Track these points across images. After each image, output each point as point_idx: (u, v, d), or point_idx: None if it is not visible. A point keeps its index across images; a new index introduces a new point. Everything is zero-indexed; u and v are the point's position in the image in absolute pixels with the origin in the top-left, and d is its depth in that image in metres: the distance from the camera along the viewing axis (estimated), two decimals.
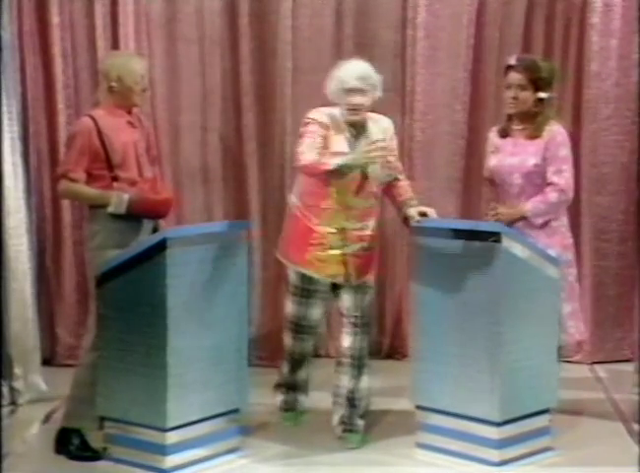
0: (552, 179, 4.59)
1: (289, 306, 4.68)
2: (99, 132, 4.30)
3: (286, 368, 4.80)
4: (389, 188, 4.58)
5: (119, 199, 4.28)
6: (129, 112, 4.43)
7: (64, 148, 4.53)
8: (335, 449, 4.46)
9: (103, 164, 4.32)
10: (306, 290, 4.59)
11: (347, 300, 4.54)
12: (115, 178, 4.33)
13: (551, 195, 4.59)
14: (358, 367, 4.56)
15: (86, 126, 4.33)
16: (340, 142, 4.40)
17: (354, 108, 4.37)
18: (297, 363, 4.75)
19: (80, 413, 4.36)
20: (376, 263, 4.63)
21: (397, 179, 4.58)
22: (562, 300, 4.53)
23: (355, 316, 4.54)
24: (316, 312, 4.64)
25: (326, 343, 5.86)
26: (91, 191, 4.33)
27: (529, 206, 4.58)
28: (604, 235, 5.85)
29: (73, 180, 4.32)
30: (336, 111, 4.44)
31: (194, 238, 4.13)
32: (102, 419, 4.29)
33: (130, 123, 4.41)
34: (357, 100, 4.35)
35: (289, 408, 4.80)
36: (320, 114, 4.44)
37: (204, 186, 5.90)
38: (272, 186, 5.86)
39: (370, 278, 4.57)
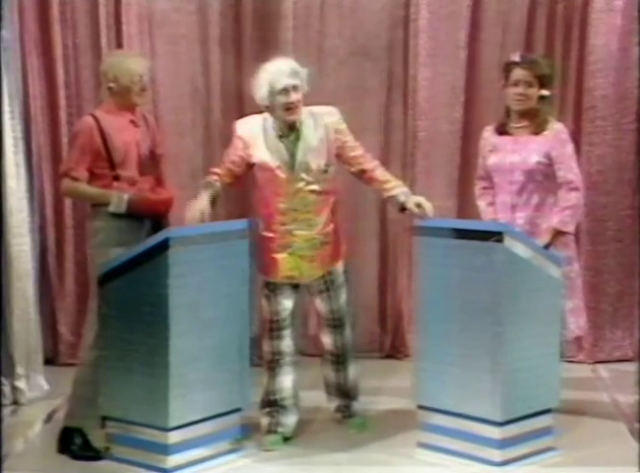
0: (567, 177, 4.59)
1: (262, 303, 4.54)
2: (101, 131, 4.31)
3: (265, 377, 4.56)
4: (366, 178, 4.43)
5: (119, 199, 4.29)
6: (132, 111, 4.42)
7: (67, 147, 4.53)
8: (336, 449, 4.46)
9: (105, 163, 4.32)
10: (272, 282, 4.48)
11: (319, 303, 4.60)
12: (116, 177, 4.34)
13: (571, 197, 4.59)
14: (342, 362, 4.67)
15: (87, 125, 4.34)
16: (263, 151, 4.33)
17: (291, 108, 4.26)
18: (278, 367, 4.53)
19: (81, 412, 4.36)
20: (340, 252, 4.55)
21: (364, 169, 4.42)
22: (564, 296, 4.54)
23: (329, 318, 4.61)
24: (287, 304, 4.51)
25: (317, 340, 5.85)
26: (92, 190, 4.34)
27: (556, 220, 4.58)
28: (601, 233, 5.85)
29: (75, 179, 4.33)
30: (263, 119, 4.36)
31: (196, 238, 4.13)
32: (104, 418, 4.29)
33: (133, 122, 4.41)
34: (293, 97, 4.25)
35: (272, 431, 4.50)
36: (244, 127, 4.40)
37: None
38: None
39: (336, 270, 4.53)
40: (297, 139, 4.35)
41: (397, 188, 4.43)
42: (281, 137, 4.35)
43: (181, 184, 5.79)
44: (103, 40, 5.64)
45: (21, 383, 5.10)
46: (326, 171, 4.38)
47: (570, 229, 4.62)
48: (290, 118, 4.29)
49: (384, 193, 4.46)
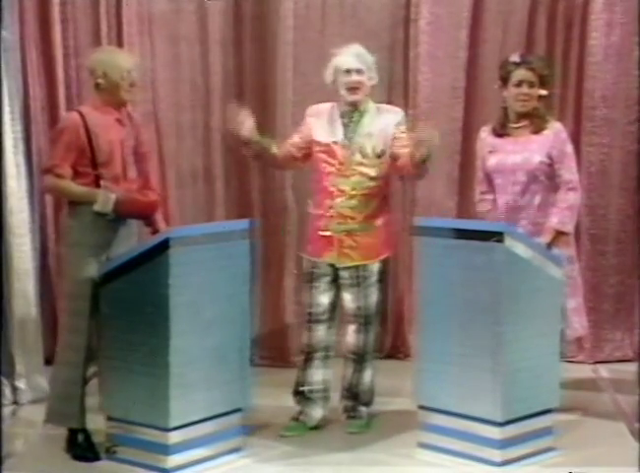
0: (566, 177, 4.61)
1: (303, 296, 4.69)
2: (87, 129, 4.24)
3: (299, 367, 4.72)
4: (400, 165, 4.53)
5: (106, 198, 4.23)
6: (119, 109, 4.37)
7: (50, 142, 4.48)
8: (337, 449, 4.46)
9: (88, 161, 4.26)
10: (310, 273, 4.61)
11: (348, 299, 4.61)
12: (99, 176, 4.28)
13: (569, 197, 4.61)
14: (360, 362, 4.67)
15: (73, 122, 4.27)
16: (323, 129, 4.53)
17: (353, 87, 4.47)
18: (309, 359, 4.64)
19: (60, 411, 4.35)
20: (382, 250, 4.61)
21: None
22: (566, 295, 4.54)
23: (354, 315, 4.62)
24: (322, 298, 4.60)
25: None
26: (77, 188, 4.27)
27: (555, 220, 4.58)
28: (601, 233, 5.85)
29: (59, 176, 4.26)
30: (332, 105, 4.57)
31: (197, 238, 4.13)
32: (82, 416, 4.32)
33: (118, 121, 4.35)
34: (355, 77, 4.46)
35: (294, 418, 4.66)
36: (312, 109, 4.62)
37: (206, 185, 5.90)
38: (273, 186, 5.87)
39: (371, 267, 4.57)
40: (358, 123, 4.51)
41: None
42: (342, 118, 4.52)
43: (182, 184, 5.82)
44: (104, 41, 5.64)
45: (21, 384, 5.10)
46: (380, 157, 4.50)
47: (569, 229, 4.64)
48: (351, 98, 4.48)
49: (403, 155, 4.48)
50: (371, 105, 4.55)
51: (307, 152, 4.62)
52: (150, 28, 5.76)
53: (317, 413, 4.67)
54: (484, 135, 4.83)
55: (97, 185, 4.27)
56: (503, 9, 5.81)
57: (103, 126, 4.28)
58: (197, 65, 5.83)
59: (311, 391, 4.65)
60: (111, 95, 4.31)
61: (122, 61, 4.33)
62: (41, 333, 5.30)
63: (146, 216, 4.42)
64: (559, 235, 4.60)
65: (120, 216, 4.28)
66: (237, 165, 5.91)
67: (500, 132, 4.76)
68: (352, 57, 4.48)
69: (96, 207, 4.23)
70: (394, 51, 5.86)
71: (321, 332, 4.63)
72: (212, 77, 5.83)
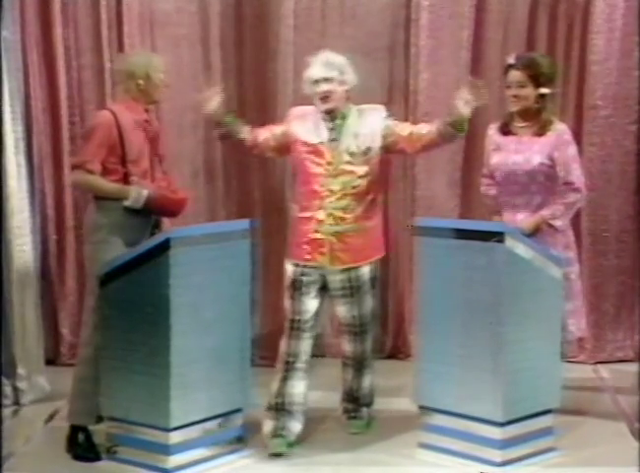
0: (567, 179, 4.61)
1: (285, 303, 4.56)
2: (119, 127, 4.32)
3: (277, 378, 4.49)
4: (428, 143, 4.48)
5: (138, 194, 4.28)
6: (147, 110, 4.46)
7: (82, 139, 4.53)
8: (337, 449, 4.46)
9: (118, 158, 4.32)
10: (300, 280, 4.51)
11: (342, 309, 4.57)
12: (128, 173, 4.33)
13: (569, 195, 4.61)
14: (359, 369, 4.67)
15: (107, 120, 4.34)
16: (308, 131, 4.48)
17: (324, 97, 4.42)
18: (291, 369, 4.48)
19: (82, 409, 4.36)
20: (372, 252, 4.57)
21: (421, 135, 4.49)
22: (564, 297, 4.54)
23: (350, 324, 4.59)
24: (310, 305, 4.51)
25: (330, 342, 5.84)
26: (108, 184, 4.31)
27: (547, 211, 4.58)
28: (603, 233, 5.85)
29: (89, 172, 4.30)
30: (315, 108, 4.52)
31: (198, 238, 4.14)
32: (100, 418, 4.30)
33: (146, 121, 4.44)
34: (323, 88, 4.42)
35: (278, 435, 4.43)
36: (295, 109, 4.62)
37: (207, 186, 5.90)
38: (274, 186, 5.87)
39: (363, 275, 4.52)
40: (342, 125, 4.48)
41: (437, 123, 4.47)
42: (325, 121, 4.48)
43: (183, 184, 5.81)
44: (105, 41, 5.65)
45: (22, 384, 5.10)
46: (366, 154, 4.45)
47: (558, 223, 4.61)
48: (324, 107, 4.45)
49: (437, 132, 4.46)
50: (352, 108, 4.51)
51: (283, 147, 4.58)
52: (150, 28, 5.77)
53: (296, 427, 4.48)
54: (491, 132, 4.85)
55: (126, 182, 4.33)
56: (504, 9, 5.81)
57: (133, 125, 4.36)
58: (198, 65, 5.84)
59: (291, 403, 4.47)
60: (148, 95, 4.42)
61: (160, 65, 4.46)
62: (42, 333, 5.31)
63: (175, 213, 4.46)
64: (545, 225, 4.58)
65: (151, 212, 4.32)
66: (238, 165, 5.91)
67: (505, 131, 4.77)
68: (318, 67, 4.43)
69: (127, 202, 4.27)
70: (394, 51, 5.86)
71: (307, 341, 4.51)
72: (213, 77, 5.83)
